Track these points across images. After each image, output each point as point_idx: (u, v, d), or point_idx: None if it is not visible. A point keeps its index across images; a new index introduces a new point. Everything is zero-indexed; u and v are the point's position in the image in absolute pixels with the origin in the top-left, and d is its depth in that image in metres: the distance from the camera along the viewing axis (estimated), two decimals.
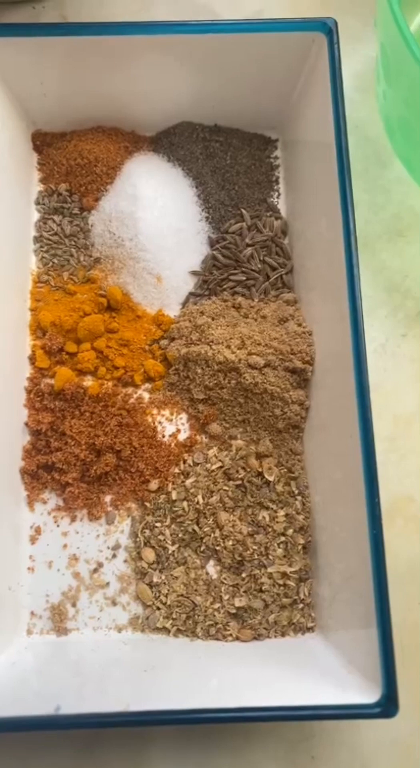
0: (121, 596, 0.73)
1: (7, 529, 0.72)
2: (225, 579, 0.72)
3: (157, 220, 0.78)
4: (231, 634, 0.70)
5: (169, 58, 0.74)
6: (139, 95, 0.79)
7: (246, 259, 0.80)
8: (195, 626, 0.70)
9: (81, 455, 0.73)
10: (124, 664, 0.67)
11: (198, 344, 0.76)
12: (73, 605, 0.72)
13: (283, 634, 0.71)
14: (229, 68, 0.76)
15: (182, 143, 0.83)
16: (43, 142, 0.85)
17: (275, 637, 0.71)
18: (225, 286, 0.80)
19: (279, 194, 0.85)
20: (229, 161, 0.84)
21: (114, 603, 0.72)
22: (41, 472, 0.75)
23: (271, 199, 0.84)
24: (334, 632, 0.69)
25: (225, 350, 0.73)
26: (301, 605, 0.72)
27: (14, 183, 0.80)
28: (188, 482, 0.74)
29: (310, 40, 0.73)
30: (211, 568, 0.73)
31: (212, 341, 0.75)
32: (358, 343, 0.64)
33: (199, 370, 0.75)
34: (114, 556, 0.74)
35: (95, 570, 0.73)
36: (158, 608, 0.71)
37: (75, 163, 0.81)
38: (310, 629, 0.71)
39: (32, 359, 0.78)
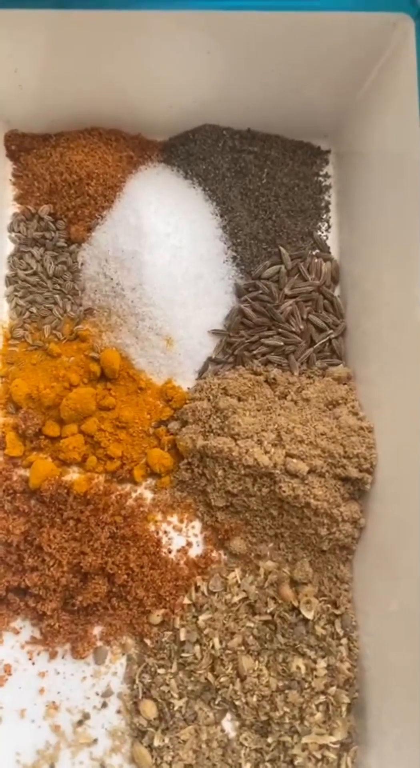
0: (113, 757, 0.58)
1: None
2: (245, 740, 0.56)
3: (169, 265, 0.59)
4: None
5: (189, 40, 0.57)
6: (148, 87, 0.62)
7: (284, 317, 0.61)
8: None
9: (62, 580, 0.56)
10: None
11: (220, 435, 0.57)
12: (51, 767, 0.56)
13: None
14: (273, 55, 0.60)
15: (204, 154, 0.64)
16: (19, 146, 0.65)
17: None
18: (255, 352, 0.62)
19: (329, 226, 0.66)
20: (265, 180, 0.64)
21: (103, 766, 0.58)
22: (12, 596, 0.58)
23: (319, 233, 0.65)
24: None
25: (256, 449, 0.55)
26: None
27: None
28: (202, 619, 0.57)
29: (390, 24, 0.54)
30: (228, 723, 0.57)
31: (239, 434, 0.57)
32: None
33: (221, 472, 0.57)
34: (104, 705, 0.59)
35: (80, 722, 0.58)
36: None
37: (61, 180, 0.62)
38: None
39: (1, 444, 0.61)
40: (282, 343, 0.61)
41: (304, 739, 0.56)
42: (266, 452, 0.56)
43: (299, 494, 0.55)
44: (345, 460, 0.56)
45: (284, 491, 0.55)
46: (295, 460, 0.55)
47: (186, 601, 0.58)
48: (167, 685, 0.57)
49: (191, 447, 0.59)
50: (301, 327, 0.61)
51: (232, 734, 0.57)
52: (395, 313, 0.56)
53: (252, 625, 0.58)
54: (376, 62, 0.57)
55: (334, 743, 0.56)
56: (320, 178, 0.66)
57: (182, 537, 0.60)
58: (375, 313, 0.60)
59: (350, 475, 0.55)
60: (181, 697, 0.57)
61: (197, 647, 0.57)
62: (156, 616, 0.58)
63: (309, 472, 0.56)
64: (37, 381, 0.61)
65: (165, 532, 0.60)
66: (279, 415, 0.58)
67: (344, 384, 0.60)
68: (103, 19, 0.54)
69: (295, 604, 0.58)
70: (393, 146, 0.58)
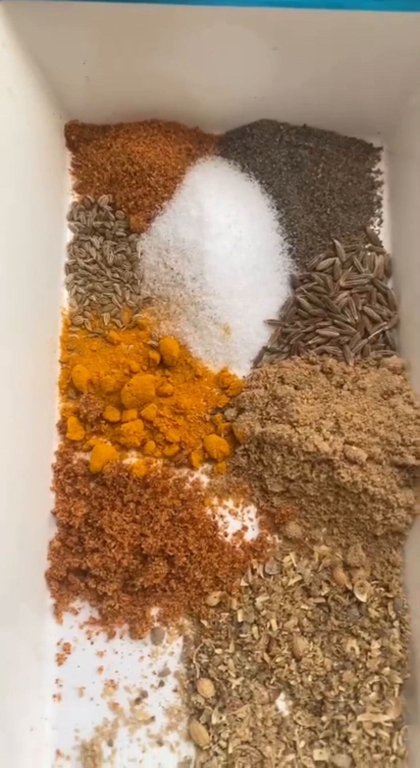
0: (169, 734, 0.58)
1: (28, 646, 0.57)
2: (299, 719, 0.58)
3: (230, 255, 0.60)
4: None
5: (249, 36, 0.57)
6: (207, 81, 0.62)
7: (339, 308, 0.62)
8: None
9: (123, 561, 0.58)
10: None
11: (278, 422, 0.59)
12: (110, 744, 0.58)
13: None
14: (331, 54, 0.60)
15: (261, 148, 0.64)
16: (79, 137, 0.66)
17: None
18: (310, 342, 0.63)
19: (381, 221, 0.67)
20: (320, 175, 0.65)
21: (160, 743, 0.58)
22: (72, 577, 0.59)
23: (372, 227, 0.66)
24: None
25: (315, 436, 0.57)
26: (393, 758, 0.57)
27: (41, 191, 0.61)
28: (259, 601, 0.58)
29: None
30: (282, 703, 0.59)
31: (297, 421, 0.58)
32: None
33: (279, 458, 0.58)
34: (161, 683, 0.59)
35: (137, 700, 0.59)
36: (216, 754, 0.57)
37: (122, 170, 0.63)
38: None
39: (62, 428, 0.61)
40: (337, 334, 0.62)
41: (359, 718, 0.57)
42: (325, 439, 0.57)
43: (357, 480, 0.57)
44: (402, 447, 0.57)
45: (343, 477, 0.57)
46: (354, 447, 0.57)
47: (242, 583, 0.60)
48: (225, 664, 0.58)
49: (248, 433, 0.60)
50: (356, 318, 0.63)
51: (286, 713, 0.59)
52: None
53: (306, 607, 0.59)
54: None
55: (387, 722, 0.58)
56: (372, 174, 0.67)
57: (238, 521, 0.62)
58: None
59: (407, 462, 0.57)
60: (238, 676, 0.58)
61: (255, 628, 0.58)
62: (213, 598, 0.59)
63: (367, 459, 0.57)
64: (97, 367, 0.62)
65: (221, 516, 0.61)
66: (336, 403, 0.60)
67: (398, 374, 0.62)
68: (167, 13, 0.54)
69: (349, 587, 0.59)
70: None
